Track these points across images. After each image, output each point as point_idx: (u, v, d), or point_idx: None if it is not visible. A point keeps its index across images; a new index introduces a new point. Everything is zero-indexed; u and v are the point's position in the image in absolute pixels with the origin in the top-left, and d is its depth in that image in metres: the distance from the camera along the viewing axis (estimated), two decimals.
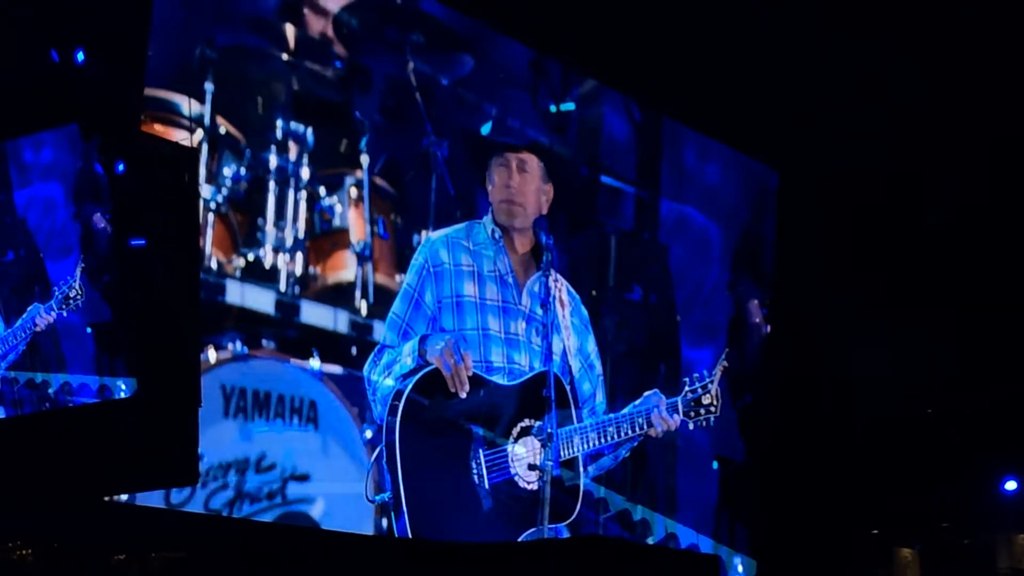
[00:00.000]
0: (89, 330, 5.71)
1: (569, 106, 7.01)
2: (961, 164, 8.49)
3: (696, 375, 5.47)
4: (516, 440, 5.34)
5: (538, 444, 5.18)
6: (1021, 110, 7.93)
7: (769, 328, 7.96)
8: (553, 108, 6.93)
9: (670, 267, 7.25)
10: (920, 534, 12.77)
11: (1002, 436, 10.71)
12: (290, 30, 6.19)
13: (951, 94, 7.86)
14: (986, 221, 8.68)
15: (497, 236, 5.59)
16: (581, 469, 5.50)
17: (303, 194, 6.16)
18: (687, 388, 5.46)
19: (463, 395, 5.23)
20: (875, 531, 11.68)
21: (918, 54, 7.52)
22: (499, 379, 5.41)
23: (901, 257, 8.85)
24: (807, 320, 8.50)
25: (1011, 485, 11.40)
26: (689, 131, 7.52)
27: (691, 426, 5.59)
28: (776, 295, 7.93)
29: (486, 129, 6.79)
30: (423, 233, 6.35)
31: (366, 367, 5.48)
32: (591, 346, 5.81)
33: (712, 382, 5.46)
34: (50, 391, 5.75)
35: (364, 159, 6.35)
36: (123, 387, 5.49)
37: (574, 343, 5.65)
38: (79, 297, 5.53)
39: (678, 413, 5.44)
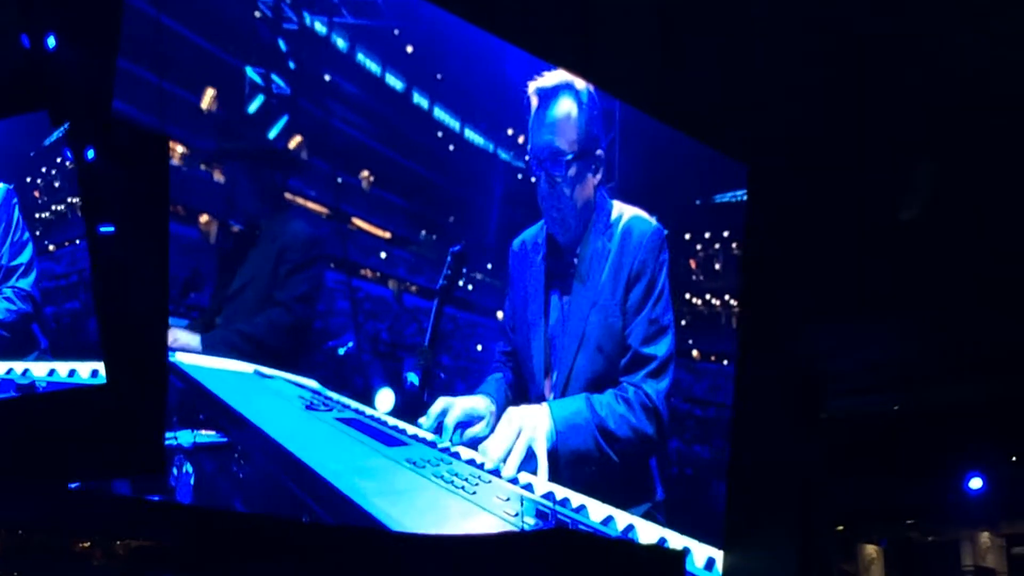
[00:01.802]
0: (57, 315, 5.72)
1: None
2: (932, 159, 8.54)
3: None
4: None
5: None
6: (993, 104, 7.98)
7: (737, 324, 7.97)
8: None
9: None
10: (885, 531, 12.89)
11: (967, 435, 10.81)
12: None
13: (925, 86, 7.90)
14: (956, 218, 8.74)
15: None
16: None
17: None
18: None
19: None
20: (840, 527, 11.77)
21: (888, 44, 7.55)
22: None
23: (869, 254, 8.90)
24: (775, 316, 8.53)
25: (976, 483, 11.51)
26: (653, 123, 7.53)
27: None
28: (744, 291, 7.94)
29: None
30: None
31: None
32: None
33: None
34: (19, 377, 5.74)
35: None
36: (91, 372, 5.49)
37: None
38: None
39: None
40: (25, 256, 5.92)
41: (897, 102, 7.94)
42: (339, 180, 6.32)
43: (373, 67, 6.45)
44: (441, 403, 6.44)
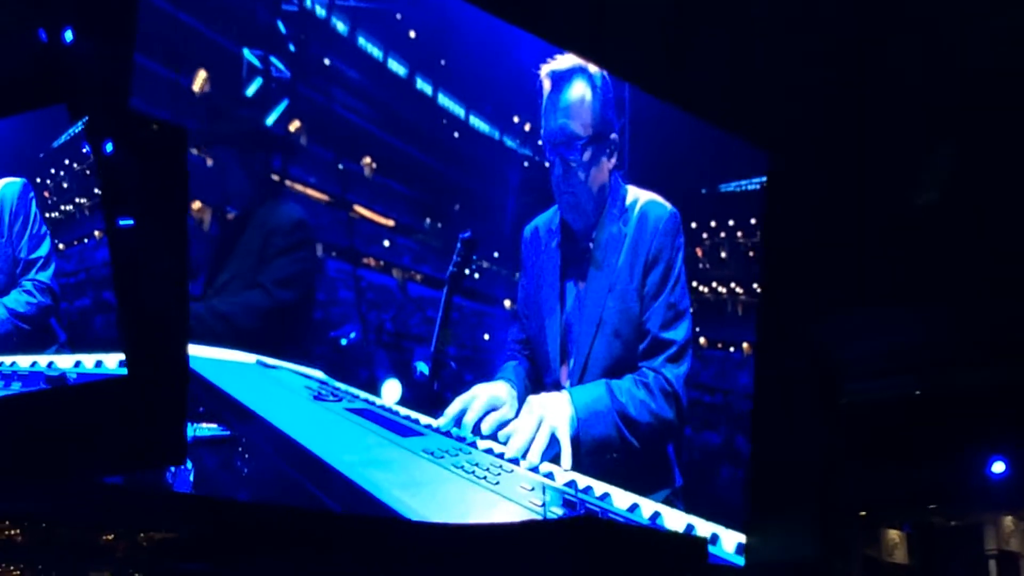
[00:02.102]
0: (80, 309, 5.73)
1: None
2: (951, 145, 8.50)
3: None
4: None
5: None
6: (1008, 91, 7.94)
7: (756, 310, 7.94)
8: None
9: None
10: (908, 515, 12.83)
11: (990, 418, 10.74)
12: None
13: (941, 76, 7.87)
14: (976, 202, 8.70)
15: None
16: None
17: None
18: None
19: None
20: (862, 512, 11.72)
21: (911, 37, 7.52)
22: None
23: (891, 238, 8.86)
24: (794, 302, 8.50)
25: (999, 467, 11.43)
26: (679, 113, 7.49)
27: None
28: (763, 277, 7.92)
29: None
30: None
31: None
32: None
33: None
34: (47, 370, 5.74)
35: None
36: (118, 363, 5.49)
37: None
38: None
39: None
40: (44, 249, 5.93)
41: (918, 86, 7.91)
42: (340, 167, 6.26)
43: (375, 52, 6.38)
44: (459, 403, 6.39)
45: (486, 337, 6.75)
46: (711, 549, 6.80)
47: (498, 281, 6.80)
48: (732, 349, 7.80)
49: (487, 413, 6.40)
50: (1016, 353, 10.22)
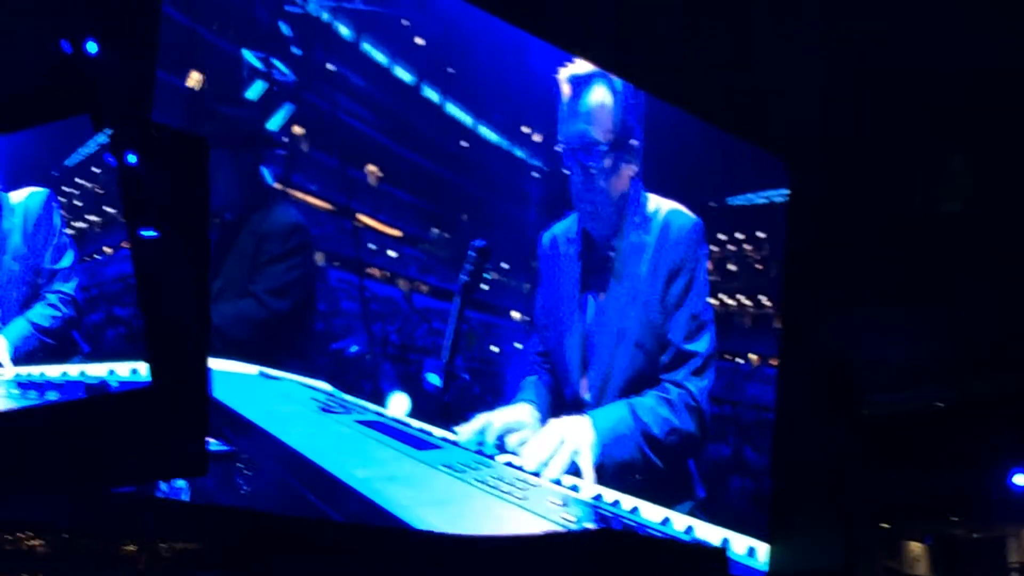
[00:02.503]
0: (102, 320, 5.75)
1: None
2: (973, 152, 8.47)
3: None
4: None
5: None
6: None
7: (779, 321, 7.92)
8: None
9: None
10: (930, 527, 12.77)
11: (1013, 430, 10.69)
12: None
13: (962, 86, 7.84)
14: (997, 210, 8.66)
15: None
16: None
17: None
18: None
19: None
20: (885, 524, 11.67)
21: (925, 43, 7.51)
22: None
23: (912, 247, 8.83)
24: (818, 312, 8.48)
25: (1021, 479, 11.37)
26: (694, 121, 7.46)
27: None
28: (784, 286, 7.90)
29: None
30: None
31: None
32: None
33: None
34: (82, 378, 5.75)
35: None
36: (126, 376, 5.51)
37: None
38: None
39: None
40: (67, 260, 5.95)
41: (938, 90, 7.88)
42: (344, 175, 6.19)
43: (380, 58, 6.28)
44: (479, 422, 6.27)
45: (494, 349, 6.67)
46: (746, 561, 6.73)
47: (507, 292, 6.71)
48: (741, 361, 7.73)
49: (508, 433, 6.30)
50: None
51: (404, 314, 6.35)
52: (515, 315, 6.75)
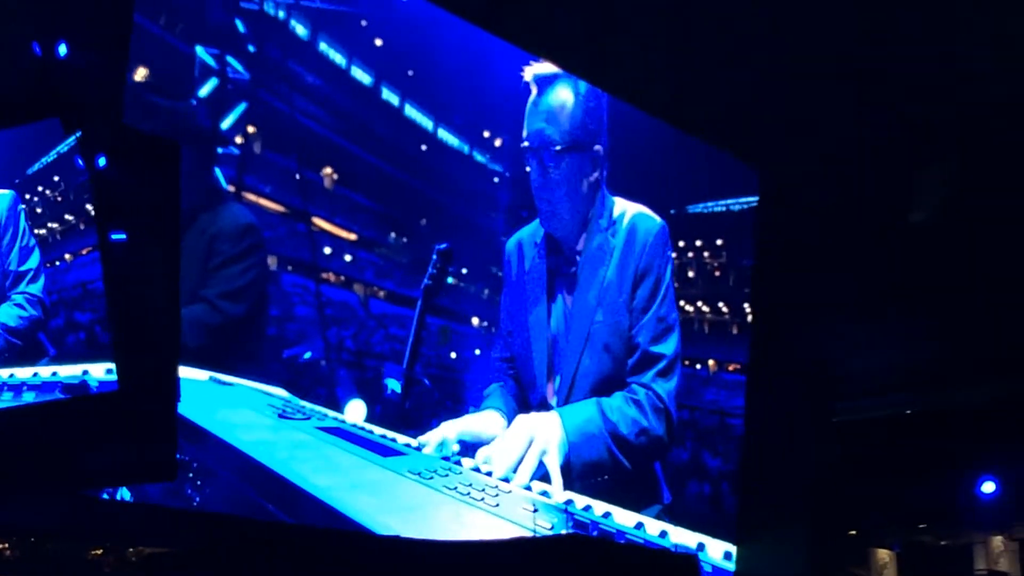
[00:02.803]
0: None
1: None
2: (944, 162, 8.51)
3: None
4: None
5: None
6: (1001, 107, 7.95)
7: (751, 326, 7.95)
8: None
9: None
10: (898, 535, 12.84)
11: (980, 438, 10.77)
12: None
13: (940, 84, 7.88)
14: (967, 220, 8.71)
15: None
16: None
17: None
18: None
19: None
20: (853, 531, 11.73)
21: (900, 49, 7.54)
22: None
23: (882, 256, 8.87)
24: (787, 319, 8.51)
25: (989, 487, 11.45)
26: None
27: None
28: (756, 294, 7.93)
29: None
30: None
31: None
32: None
33: None
34: (41, 381, 5.71)
35: None
36: (102, 377, 5.46)
37: None
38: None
39: None
40: (33, 261, 5.92)
41: (913, 99, 7.92)
42: (299, 177, 6.04)
43: (338, 58, 6.18)
44: (442, 431, 6.17)
45: (453, 356, 6.56)
46: (724, 565, 6.74)
47: (466, 298, 6.63)
48: (699, 366, 7.69)
49: (476, 445, 6.23)
50: (1007, 372, 10.24)
51: (360, 320, 6.22)
52: (475, 321, 6.66)
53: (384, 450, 5.80)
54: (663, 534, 6.31)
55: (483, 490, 5.75)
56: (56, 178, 5.63)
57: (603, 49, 6.93)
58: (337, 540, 5.49)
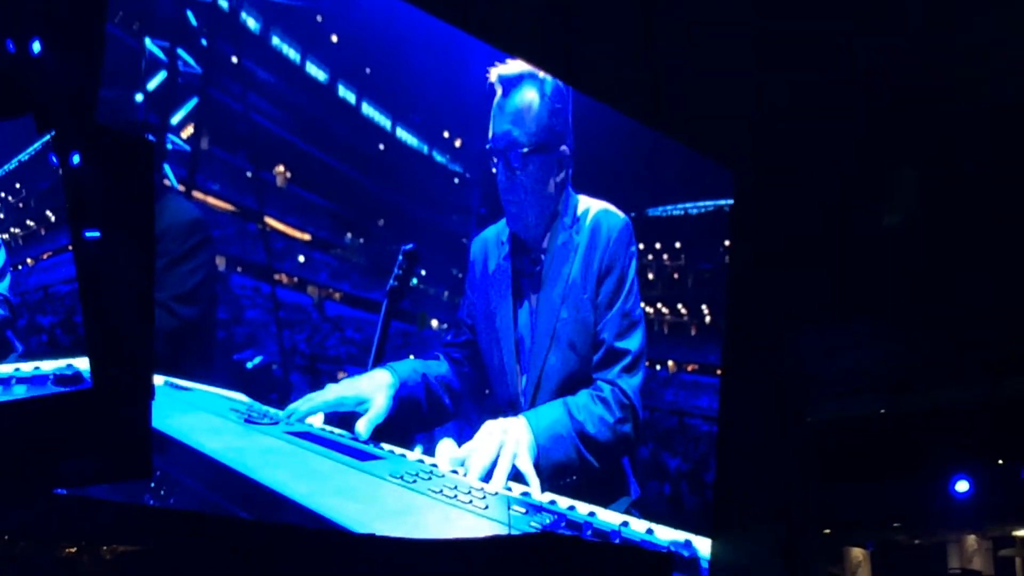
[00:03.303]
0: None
1: None
2: (916, 167, 8.58)
3: None
4: None
5: None
6: (984, 106, 8.02)
7: (723, 326, 7.99)
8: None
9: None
10: (872, 534, 12.92)
11: (953, 437, 10.84)
12: None
13: (912, 89, 7.94)
14: (940, 223, 8.78)
15: None
16: None
17: None
18: None
19: None
20: (826, 531, 11.78)
21: (876, 47, 7.60)
22: None
23: (855, 258, 8.93)
24: (761, 319, 8.55)
25: (962, 486, 11.53)
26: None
27: None
28: (730, 294, 7.97)
29: None
30: None
31: None
32: None
33: None
34: (34, 375, 5.67)
35: None
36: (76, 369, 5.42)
37: None
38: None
39: None
40: None
41: (883, 104, 7.98)
42: (249, 174, 5.83)
43: (292, 54, 6.00)
44: (313, 397, 5.86)
45: (411, 358, 6.37)
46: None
47: (425, 300, 6.51)
48: (658, 367, 7.72)
49: (350, 412, 5.92)
50: (980, 372, 10.31)
51: (314, 323, 6.04)
52: (435, 323, 6.55)
53: (359, 454, 5.68)
54: (649, 531, 6.32)
55: (468, 492, 5.66)
56: (18, 184, 5.60)
57: (575, 47, 6.95)
58: (313, 538, 5.49)
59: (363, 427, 5.92)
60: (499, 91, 6.44)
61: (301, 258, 6.00)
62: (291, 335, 5.85)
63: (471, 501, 5.55)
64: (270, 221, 5.87)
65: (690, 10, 7.32)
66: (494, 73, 6.41)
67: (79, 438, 5.22)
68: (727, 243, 7.96)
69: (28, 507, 5.29)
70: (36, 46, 5.18)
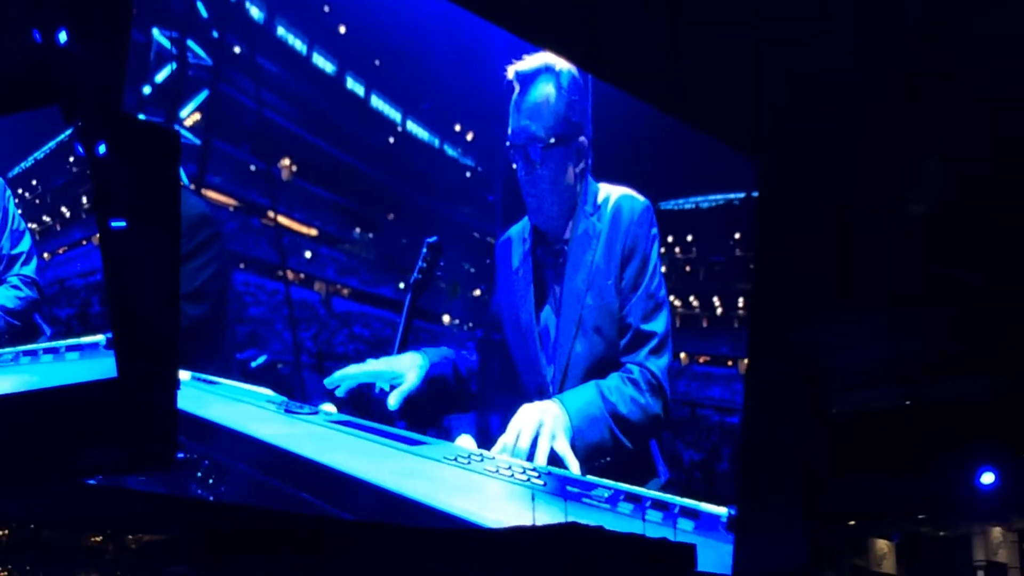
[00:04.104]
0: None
1: None
2: (941, 156, 8.52)
3: None
4: None
5: None
6: (1003, 99, 7.96)
7: (748, 319, 7.97)
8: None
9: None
10: (897, 525, 12.85)
11: (980, 430, 10.78)
12: None
13: (933, 80, 7.88)
14: (965, 213, 8.72)
15: None
16: None
17: None
18: None
19: None
20: (852, 522, 11.74)
21: (892, 47, 7.55)
22: None
23: (882, 248, 8.88)
24: (786, 312, 8.52)
25: (988, 478, 11.46)
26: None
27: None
28: (755, 288, 7.95)
29: None
30: None
31: None
32: None
33: None
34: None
35: None
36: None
37: None
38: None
39: None
40: (25, 244, 5.94)
41: (907, 96, 7.93)
42: (253, 168, 5.72)
43: (298, 45, 5.87)
44: (347, 370, 5.94)
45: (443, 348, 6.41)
46: None
47: (438, 296, 6.46)
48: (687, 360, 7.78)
49: (386, 389, 6.03)
50: (1007, 364, 10.25)
51: (321, 319, 5.94)
52: (446, 319, 6.51)
53: (406, 440, 5.79)
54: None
55: (524, 472, 5.89)
56: (34, 181, 5.61)
57: (599, 37, 6.93)
58: (331, 528, 5.51)
59: (394, 399, 6.06)
60: (516, 87, 6.48)
61: (308, 254, 5.90)
62: (297, 333, 5.77)
63: (528, 480, 5.79)
64: (274, 215, 5.76)
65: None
66: (511, 70, 6.44)
67: (105, 428, 5.24)
68: (737, 236, 7.94)
69: (53, 496, 5.32)
70: (62, 36, 5.19)
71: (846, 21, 7.39)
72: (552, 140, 6.47)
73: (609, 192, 6.66)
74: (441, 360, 6.35)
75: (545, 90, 6.49)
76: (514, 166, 6.53)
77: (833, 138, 8.11)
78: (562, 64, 6.55)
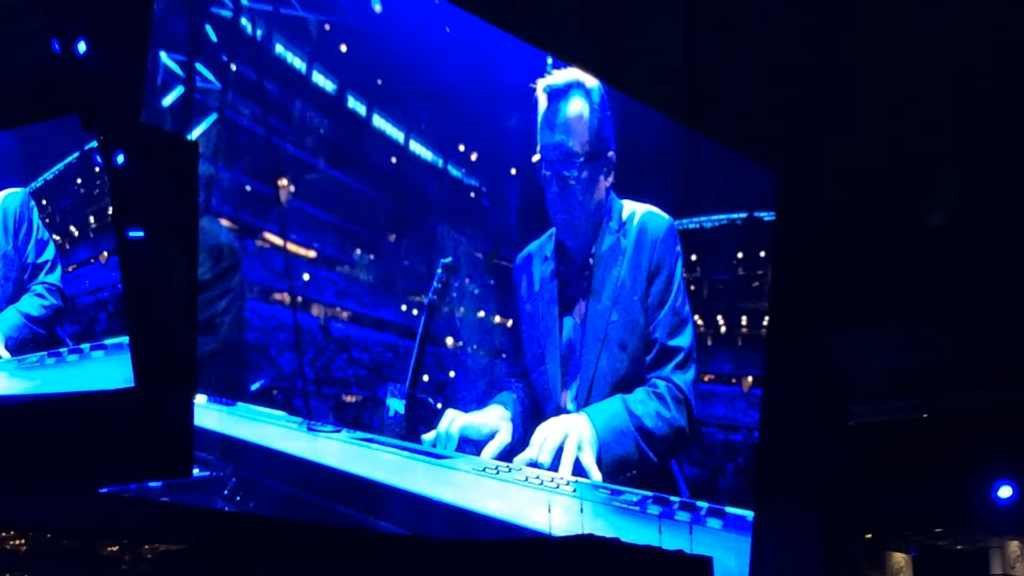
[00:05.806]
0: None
1: None
2: (961, 164, 8.49)
3: None
4: None
5: None
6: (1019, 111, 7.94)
7: (766, 330, 7.95)
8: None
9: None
10: (914, 538, 12.81)
11: (997, 442, 10.73)
12: None
13: (955, 87, 7.86)
14: (982, 223, 8.69)
15: None
16: None
17: None
18: None
19: None
20: (868, 535, 11.70)
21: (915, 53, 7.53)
22: None
23: (897, 257, 8.86)
24: (803, 322, 8.50)
25: (1005, 491, 11.41)
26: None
27: None
28: (772, 298, 7.93)
29: None
30: None
31: None
32: None
33: None
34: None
35: None
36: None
37: None
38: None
39: None
40: (49, 253, 6.02)
41: (926, 104, 7.91)
42: (248, 188, 5.53)
43: (297, 63, 5.69)
44: (446, 420, 6.05)
45: (425, 378, 6.14)
46: None
47: (440, 319, 6.27)
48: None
49: (479, 441, 6.18)
50: None
51: (319, 344, 5.76)
52: (449, 341, 6.33)
53: (431, 455, 5.82)
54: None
55: (553, 480, 5.98)
56: (44, 202, 5.63)
57: (617, 48, 6.93)
58: (347, 538, 5.51)
59: (489, 454, 6.17)
60: (543, 102, 6.46)
61: (306, 276, 5.72)
62: (293, 357, 5.63)
63: (558, 487, 5.90)
64: (271, 238, 5.60)
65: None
66: (540, 84, 6.43)
67: (121, 436, 5.25)
68: (740, 255, 7.92)
69: (70, 504, 5.33)
70: (82, 46, 5.20)
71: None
72: (587, 155, 6.49)
73: (634, 209, 6.68)
74: (513, 404, 6.48)
75: (578, 106, 6.49)
76: (546, 176, 6.48)
77: (853, 146, 8.10)
78: (591, 80, 6.54)
